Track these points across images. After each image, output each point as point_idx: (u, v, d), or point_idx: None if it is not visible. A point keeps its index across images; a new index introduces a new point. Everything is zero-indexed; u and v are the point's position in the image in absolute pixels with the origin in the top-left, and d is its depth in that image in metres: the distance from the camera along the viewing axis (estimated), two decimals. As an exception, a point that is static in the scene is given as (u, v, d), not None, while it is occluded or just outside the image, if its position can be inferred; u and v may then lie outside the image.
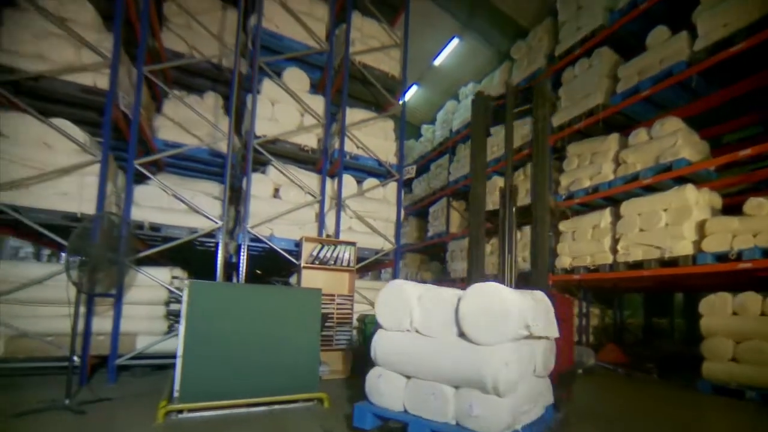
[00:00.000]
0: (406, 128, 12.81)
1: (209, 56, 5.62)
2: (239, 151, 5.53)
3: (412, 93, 12.13)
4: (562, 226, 6.43)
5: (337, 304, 4.47)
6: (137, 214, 4.20)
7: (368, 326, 4.57)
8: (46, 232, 3.65)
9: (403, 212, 12.40)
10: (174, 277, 4.34)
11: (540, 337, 2.69)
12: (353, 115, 5.87)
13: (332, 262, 4.62)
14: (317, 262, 4.55)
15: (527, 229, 7.12)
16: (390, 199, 5.90)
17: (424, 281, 10.79)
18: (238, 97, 5.53)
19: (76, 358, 3.23)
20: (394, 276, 5.65)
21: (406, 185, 12.10)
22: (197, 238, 4.40)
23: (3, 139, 3.84)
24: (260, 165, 5.26)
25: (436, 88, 11.57)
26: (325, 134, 5.54)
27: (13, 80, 3.94)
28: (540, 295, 2.87)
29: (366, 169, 5.89)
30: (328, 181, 5.42)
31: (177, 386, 2.87)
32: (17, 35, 4.10)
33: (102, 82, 4.29)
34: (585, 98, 6.52)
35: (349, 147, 5.65)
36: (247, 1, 6.04)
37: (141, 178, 4.47)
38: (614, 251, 5.75)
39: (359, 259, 5.23)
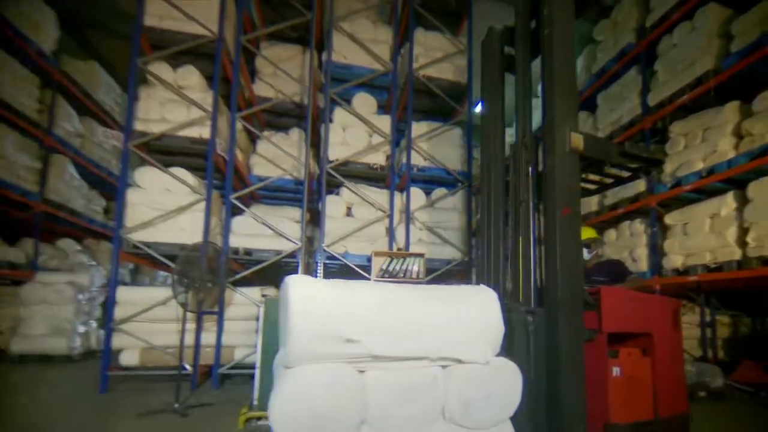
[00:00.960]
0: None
1: (291, 96, 6.15)
2: (317, 176, 5.91)
3: None
4: (669, 218, 5.35)
5: None
6: (234, 241, 4.77)
7: None
8: (167, 262, 4.38)
9: (477, 219, 11.70)
10: (263, 295, 4.80)
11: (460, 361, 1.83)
12: (419, 128, 5.81)
13: (402, 275, 4.58)
14: (387, 276, 4.57)
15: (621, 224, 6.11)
16: (461, 208, 5.65)
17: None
18: (314, 129, 5.94)
19: (188, 367, 3.77)
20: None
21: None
22: (281, 258, 4.81)
23: (139, 189, 4.74)
24: (335, 187, 5.54)
25: (510, 89, 10.78)
26: (392, 151, 5.59)
27: (146, 141, 4.85)
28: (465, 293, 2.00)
29: (434, 180, 5.76)
30: (397, 195, 5.44)
31: (255, 395, 3.14)
32: (148, 105, 5.03)
33: (206, 132, 5.01)
34: (689, 67, 5.38)
35: (417, 160, 5.59)
36: (319, 41, 6.48)
37: (239, 210, 5.07)
38: (742, 244, 4.56)
39: (430, 270, 5.10)
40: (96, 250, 7.68)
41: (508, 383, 1.91)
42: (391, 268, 4.61)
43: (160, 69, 5.08)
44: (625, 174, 3.23)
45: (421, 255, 4.73)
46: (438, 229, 5.40)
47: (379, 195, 5.39)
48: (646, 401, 2.32)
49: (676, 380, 2.53)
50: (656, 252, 5.40)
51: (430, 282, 5.04)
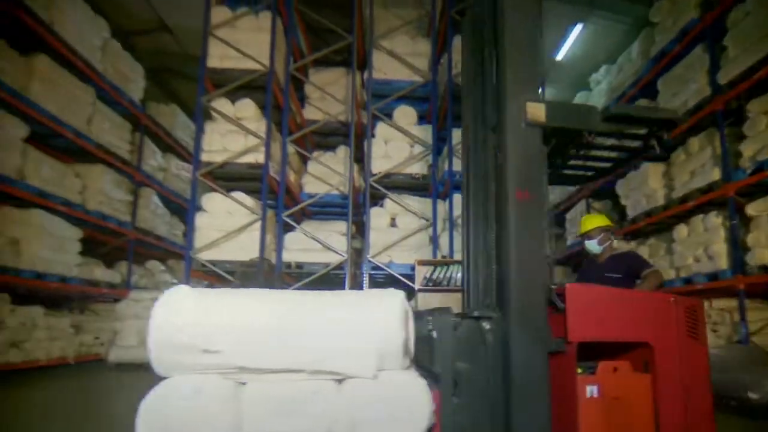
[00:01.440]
0: None
1: (336, 117, 6.43)
2: (362, 190, 6.06)
3: None
4: (752, 209, 4.63)
5: None
6: (286, 255, 5.07)
7: None
8: (230, 277, 4.77)
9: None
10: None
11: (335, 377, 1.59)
12: (459, 134, 5.71)
13: (445, 283, 4.51)
14: (431, 284, 4.52)
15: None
16: None
17: None
18: (359, 146, 6.13)
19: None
20: None
21: None
22: (330, 271, 4.99)
23: (205, 213, 5.24)
24: (379, 199, 5.64)
25: (563, 84, 10.17)
26: (433, 159, 5.57)
27: (210, 170, 5.36)
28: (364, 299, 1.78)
29: None
30: (440, 203, 5.39)
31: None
32: (212, 138, 5.57)
33: (261, 157, 5.41)
34: (766, 37, 4.68)
35: (459, 166, 5.49)
36: (361, 61, 6.69)
37: (292, 227, 5.37)
38: None
39: None
40: (177, 270, 8.61)
41: (410, 404, 1.59)
42: (434, 277, 4.56)
43: (221, 104, 5.61)
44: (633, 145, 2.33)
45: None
46: None
47: (422, 204, 5.39)
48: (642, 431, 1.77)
49: (693, 404, 1.84)
50: (737, 247, 4.69)
51: None
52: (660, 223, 5.90)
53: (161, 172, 8.31)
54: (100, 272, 6.65)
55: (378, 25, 6.49)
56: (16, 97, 5.10)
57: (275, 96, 5.58)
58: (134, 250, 7.32)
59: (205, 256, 4.94)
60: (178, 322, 1.57)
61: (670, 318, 1.88)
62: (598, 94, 8.08)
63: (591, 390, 1.74)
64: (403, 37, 6.46)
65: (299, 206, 5.49)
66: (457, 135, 5.70)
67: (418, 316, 1.92)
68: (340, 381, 1.61)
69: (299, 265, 5.06)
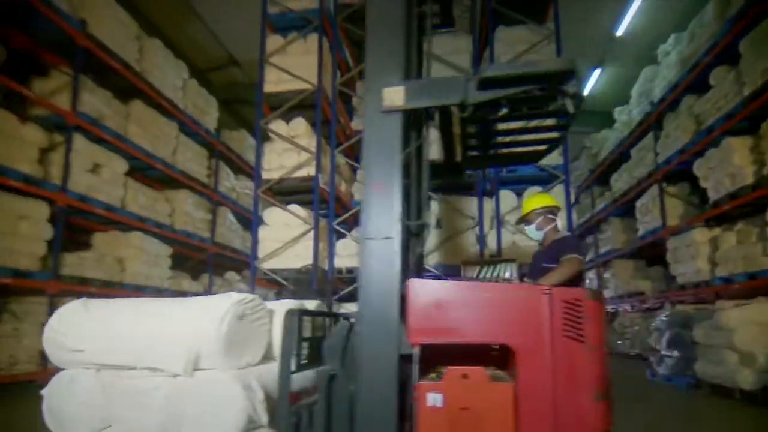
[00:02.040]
0: (595, 119, 10.47)
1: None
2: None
3: (594, 79, 9.98)
4: None
5: None
6: (338, 262, 5.26)
7: None
8: (286, 284, 5.09)
9: (592, 216, 9.82)
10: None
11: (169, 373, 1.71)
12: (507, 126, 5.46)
13: (493, 282, 4.32)
14: (477, 284, 4.37)
15: None
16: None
17: (640, 293, 8.04)
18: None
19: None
20: None
21: (603, 182, 9.69)
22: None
23: (266, 226, 5.66)
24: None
25: (627, 60, 9.16)
26: (478, 157, 5.39)
27: (270, 186, 5.79)
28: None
29: (525, 179, 5.29)
30: (486, 201, 5.19)
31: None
32: (270, 157, 6.01)
33: (312, 171, 5.71)
34: None
35: (506, 162, 5.25)
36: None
37: (343, 234, 5.57)
38: None
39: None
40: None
41: (221, 402, 1.66)
42: (481, 277, 4.40)
43: (278, 125, 6.02)
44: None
45: (512, 260, 4.38)
46: None
47: (467, 203, 5.24)
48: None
49: (567, 420, 1.46)
50: None
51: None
52: (749, 205, 5.00)
53: (234, 192, 9.16)
54: (187, 284, 7.52)
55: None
56: (118, 138, 6.01)
57: (324, 111, 5.85)
58: (214, 263, 8.18)
59: (267, 265, 5.34)
60: (61, 328, 1.95)
61: (539, 316, 1.51)
62: (667, 67, 7.13)
63: (434, 398, 1.49)
64: (445, 37, 6.36)
65: (348, 213, 5.68)
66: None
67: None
68: (175, 377, 1.75)
69: (350, 270, 5.23)
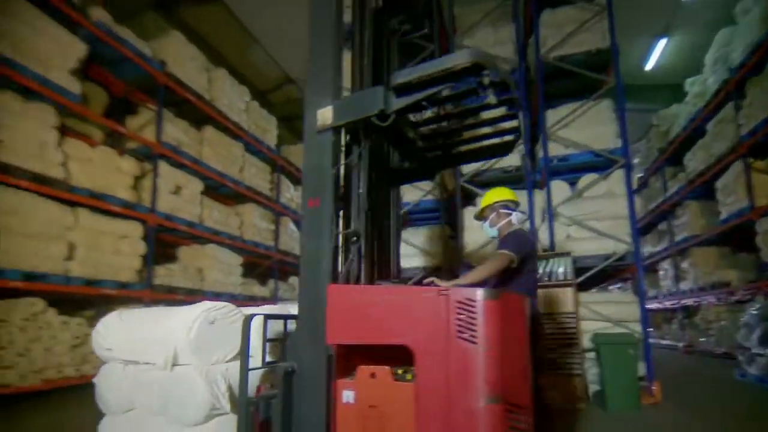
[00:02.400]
0: (662, 94, 9.24)
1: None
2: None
3: (659, 51, 8.87)
4: None
5: (558, 323, 3.85)
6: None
7: (602, 347, 3.61)
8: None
9: (664, 200, 8.50)
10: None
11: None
12: (557, 114, 5.15)
13: (546, 278, 4.08)
14: (529, 280, 4.15)
15: None
16: (618, 192, 4.58)
17: (725, 283, 6.82)
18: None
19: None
20: (639, 284, 4.17)
21: (676, 163, 8.48)
22: (428, 274, 5.05)
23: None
24: (474, 197, 5.46)
25: (696, 26, 7.97)
26: (526, 148, 5.13)
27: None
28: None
29: (580, 167, 4.90)
30: (537, 193, 4.91)
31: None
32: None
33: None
34: None
35: (557, 150, 4.93)
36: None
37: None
38: None
39: (584, 270, 4.30)
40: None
41: (189, 391, 2.08)
42: (532, 272, 4.19)
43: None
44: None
45: (566, 254, 4.12)
46: (590, 221, 4.54)
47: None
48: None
49: (460, 424, 1.41)
50: None
51: (583, 282, 4.24)
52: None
53: (293, 202, 9.77)
54: (256, 289, 8.17)
55: (460, 21, 6.41)
56: (195, 162, 6.76)
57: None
58: (279, 269, 8.76)
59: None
60: (102, 332, 2.48)
61: (436, 317, 1.50)
62: (747, 27, 6.13)
63: (347, 396, 1.62)
64: (484, 30, 6.20)
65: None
66: (552, 116, 5.16)
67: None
68: (163, 371, 2.19)
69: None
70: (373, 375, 1.63)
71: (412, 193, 6.17)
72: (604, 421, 3.48)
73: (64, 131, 4.96)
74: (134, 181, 5.87)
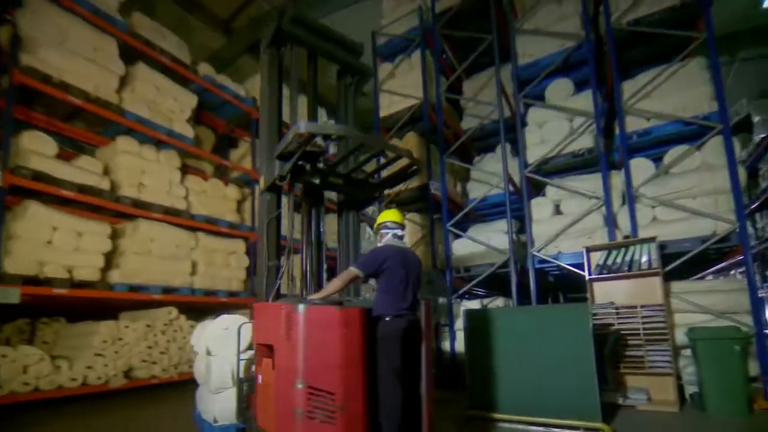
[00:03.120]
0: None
1: (488, 117, 6.21)
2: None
3: None
4: None
5: (642, 317, 3.34)
6: (454, 262, 5.26)
7: (698, 343, 3.02)
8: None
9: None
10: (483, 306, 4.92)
11: None
12: (635, 84, 4.51)
13: (626, 268, 3.59)
14: (605, 271, 3.71)
15: None
16: (717, 162, 3.77)
17: None
18: (516, 139, 5.73)
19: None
20: (747, 270, 3.31)
21: None
22: (495, 270, 4.83)
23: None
24: (543, 187, 5.08)
25: None
26: (598, 127, 4.59)
27: (391, 200, 6.29)
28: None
29: (665, 140, 4.18)
30: (613, 175, 4.34)
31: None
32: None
33: (424, 179, 5.95)
34: None
35: (635, 124, 4.31)
36: (507, 53, 6.28)
37: (458, 234, 5.55)
38: None
39: (676, 255, 3.65)
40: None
41: (212, 370, 3.04)
42: (609, 262, 3.73)
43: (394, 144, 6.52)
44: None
45: (650, 240, 3.58)
46: (682, 200, 3.83)
47: (590, 182, 4.51)
48: (270, 412, 2.22)
49: (288, 399, 2.07)
50: None
51: (673, 270, 3.55)
52: None
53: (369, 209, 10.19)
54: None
55: (521, 5, 6.09)
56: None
57: (431, 119, 6.04)
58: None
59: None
60: (196, 333, 3.49)
61: (279, 324, 2.13)
62: None
63: (260, 378, 2.42)
64: (549, 7, 5.75)
65: (461, 213, 5.62)
66: (628, 88, 4.55)
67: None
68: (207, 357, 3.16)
69: (467, 269, 5.16)
70: (267, 364, 2.30)
71: (479, 189, 5.99)
72: (700, 427, 2.94)
73: (184, 169, 6.10)
74: (237, 205, 6.86)
